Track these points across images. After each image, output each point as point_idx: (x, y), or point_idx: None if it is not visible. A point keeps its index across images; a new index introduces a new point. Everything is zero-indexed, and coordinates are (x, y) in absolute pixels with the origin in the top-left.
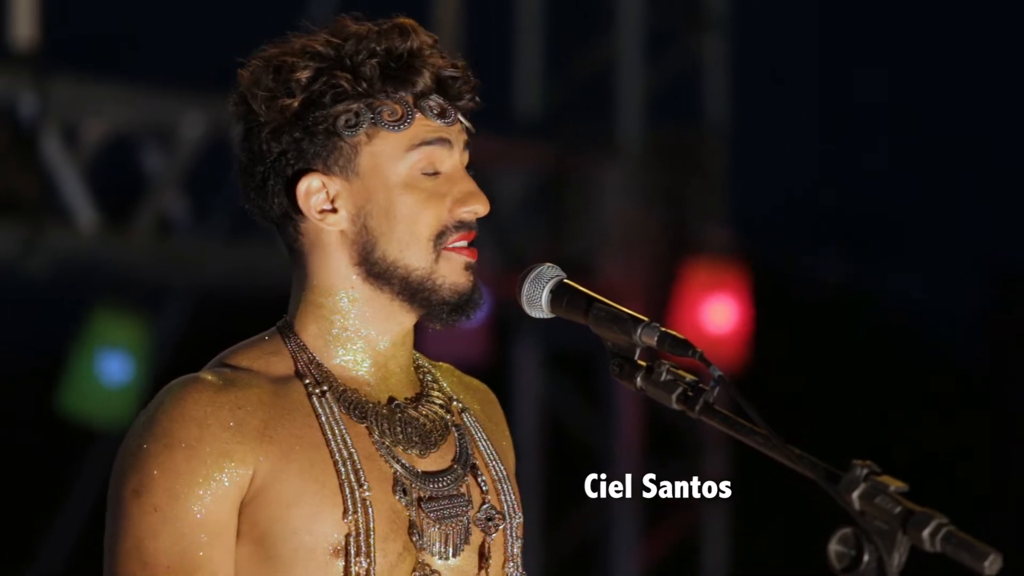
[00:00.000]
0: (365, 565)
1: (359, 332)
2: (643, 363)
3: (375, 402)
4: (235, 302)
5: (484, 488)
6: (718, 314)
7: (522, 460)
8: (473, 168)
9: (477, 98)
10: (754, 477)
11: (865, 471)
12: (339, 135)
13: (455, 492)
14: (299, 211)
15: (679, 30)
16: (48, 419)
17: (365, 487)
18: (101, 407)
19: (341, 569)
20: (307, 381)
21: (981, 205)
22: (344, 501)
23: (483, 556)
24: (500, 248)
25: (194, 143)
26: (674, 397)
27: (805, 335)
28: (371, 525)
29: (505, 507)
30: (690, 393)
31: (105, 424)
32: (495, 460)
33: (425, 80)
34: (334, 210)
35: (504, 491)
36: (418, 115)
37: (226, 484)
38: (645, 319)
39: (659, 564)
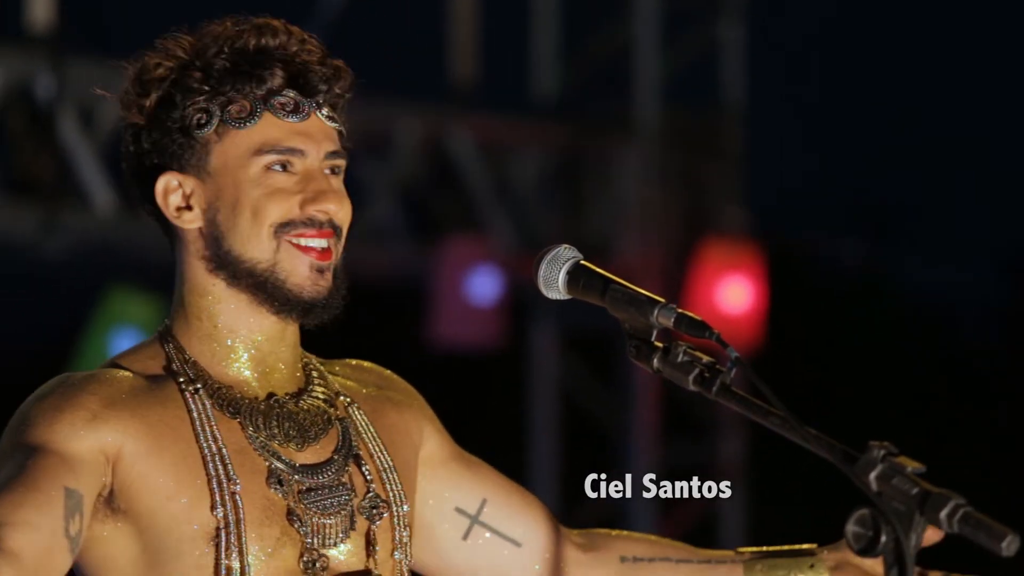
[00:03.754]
0: (236, 555)
1: (231, 329)
2: (660, 344)
3: (251, 398)
4: None
5: (368, 478)
6: (734, 295)
7: (538, 441)
8: (343, 157)
9: (339, 90)
10: (770, 458)
11: (882, 452)
12: (191, 134)
13: (336, 482)
14: (162, 211)
15: (696, 11)
16: None
17: (235, 480)
18: None
19: (220, 560)
20: (181, 379)
21: (996, 192)
22: (212, 495)
23: (370, 543)
24: (516, 229)
25: None
26: (691, 378)
27: (821, 316)
28: (240, 516)
29: (391, 496)
30: (707, 374)
31: None
32: (382, 452)
33: (275, 77)
34: (189, 208)
35: (390, 480)
36: (267, 112)
37: (93, 439)
38: (662, 300)
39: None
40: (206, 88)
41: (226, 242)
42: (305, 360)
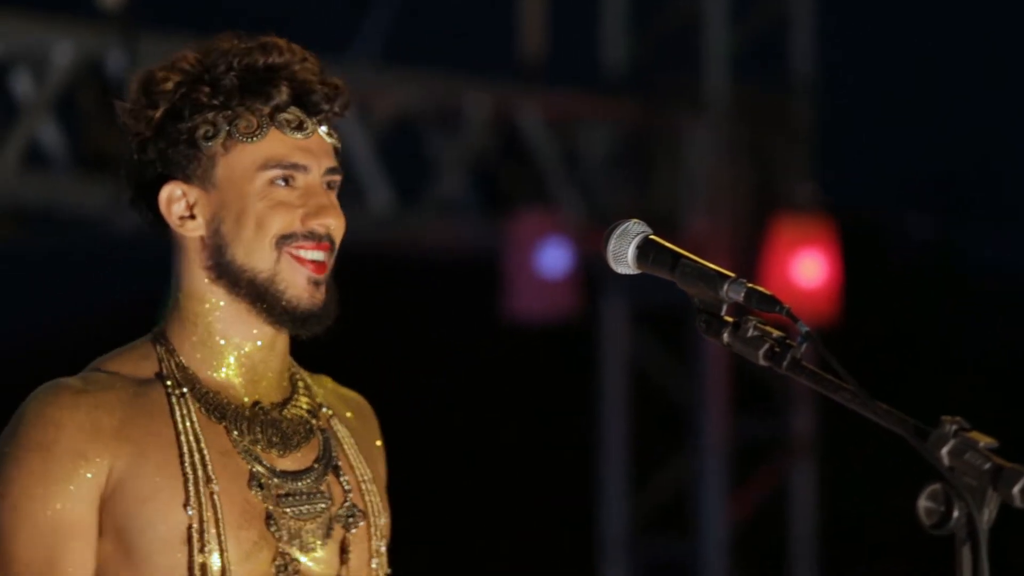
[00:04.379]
0: (211, 554)
1: (224, 336)
2: (730, 319)
3: (238, 404)
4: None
5: (347, 488)
6: (807, 270)
7: (609, 415)
8: (340, 173)
9: (338, 108)
10: (842, 433)
11: (954, 427)
12: (197, 146)
13: (314, 489)
14: (164, 219)
15: None
16: None
17: (213, 481)
18: None
19: (192, 558)
20: (169, 383)
21: None
22: (186, 494)
23: (344, 551)
24: (586, 203)
25: None
26: (761, 353)
27: (895, 291)
28: (219, 517)
29: (368, 507)
30: (777, 349)
31: None
32: (360, 464)
33: (281, 93)
34: (192, 216)
35: (368, 491)
36: (273, 128)
37: (81, 484)
38: (732, 275)
39: (747, 519)
40: (215, 103)
41: (229, 251)
42: (293, 370)
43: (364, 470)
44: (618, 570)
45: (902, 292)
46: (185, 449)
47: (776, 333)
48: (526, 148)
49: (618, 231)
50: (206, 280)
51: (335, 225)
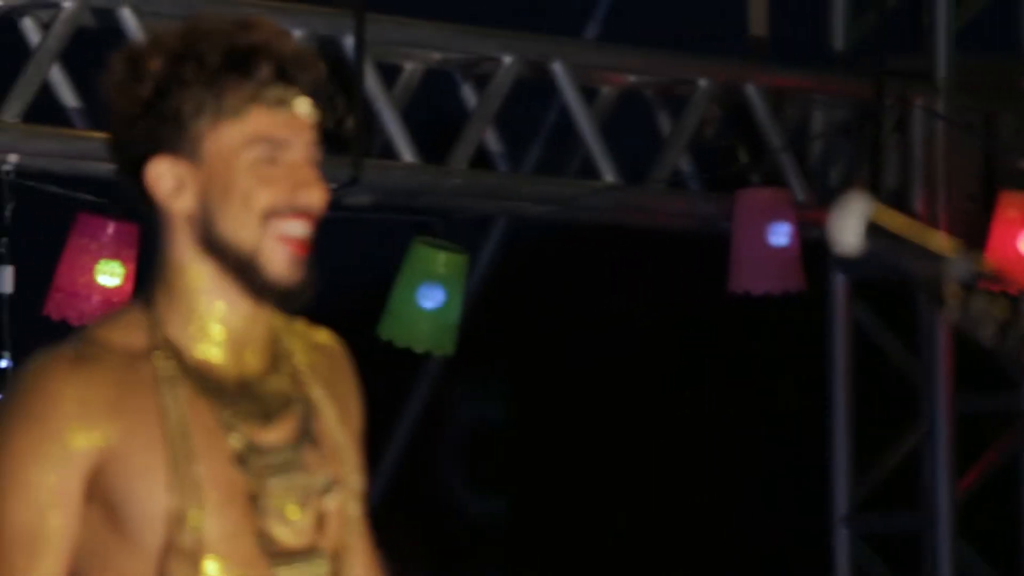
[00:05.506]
0: (194, 533)
1: (209, 311)
2: (956, 295)
3: (223, 377)
4: (545, 232)
5: (325, 457)
6: None
7: (835, 391)
8: (320, 146)
9: (322, 86)
10: None
11: None
12: (184, 123)
13: (294, 462)
14: (151, 194)
15: None
16: (372, 346)
17: (196, 461)
18: (419, 334)
19: (177, 536)
20: (157, 357)
21: None
22: (169, 475)
23: (323, 521)
24: (811, 181)
25: (507, 80)
26: (987, 329)
27: None
28: (201, 496)
29: (345, 474)
30: (1004, 325)
31: (424, 349)
32: (336, 428)
33: (263, 70)
34: (180, 192)
35: (344, 459)
36: (257, 104)
37: (73, 456)
38: (958, 252)
39: (976, 493)
40: (200, 80)
41: (216, 226)
42: (275, 334)
43: (339, 434)
44: (846, 545)
45: None
46: (171, 428)
47: (1003, 309)
48: (753, 126)
49: (843, 209)
50: (193, 254)
51: (319, 199)
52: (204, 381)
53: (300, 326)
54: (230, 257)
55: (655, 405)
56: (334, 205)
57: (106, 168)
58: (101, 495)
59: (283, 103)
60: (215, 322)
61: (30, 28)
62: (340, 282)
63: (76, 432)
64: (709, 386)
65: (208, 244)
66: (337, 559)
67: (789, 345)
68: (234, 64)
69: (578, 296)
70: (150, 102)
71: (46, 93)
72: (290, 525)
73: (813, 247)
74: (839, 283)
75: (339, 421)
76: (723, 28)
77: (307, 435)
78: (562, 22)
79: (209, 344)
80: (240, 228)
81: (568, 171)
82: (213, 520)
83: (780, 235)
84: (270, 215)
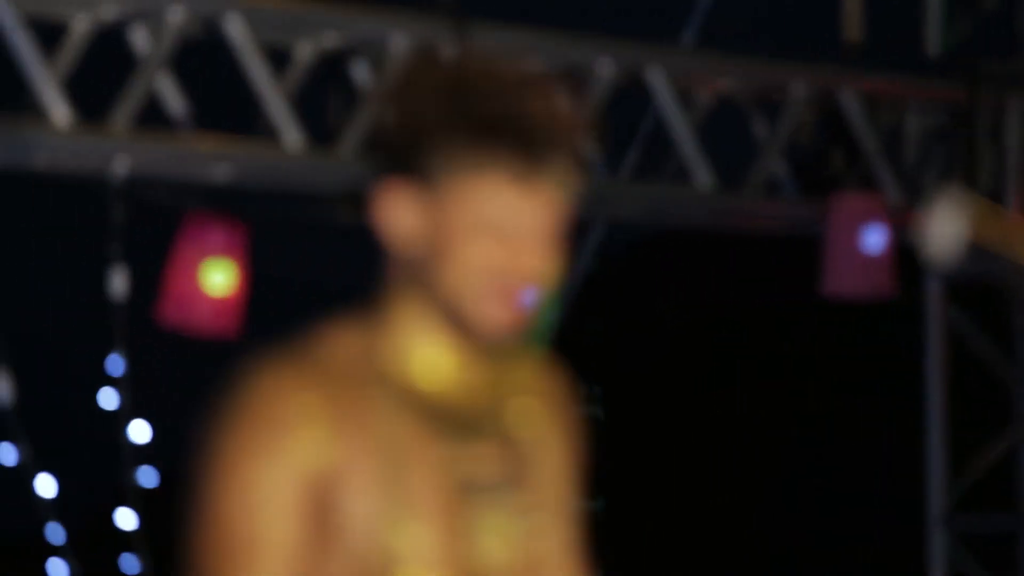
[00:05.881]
0: (403, 542)
1: (438, 334)
2: None
3: (440, 405)
4: (643, 237)
5: (528, 480)
6: None
7: (930, 392)
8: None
9: (579, 158)
10: None
11: None
12: (434, 163)
13: (504, 500)
14: (388, 217)
15: None
16: None
17: (411, 483)
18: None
19: (392, 549)
20: (382, 371)
21: None
22: (386, 493)
23: (526, 562)
24: (906, 185)
25: (604, 88)
26: None
27: None
28: (414, 515)
29: (545, 499)
30: None
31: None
32: (543, 458)
33: (523, 139)
34: (409, 221)
35: (553, 507)
36: (505, 174)
37: (297, 463)
38: None
39: None
40: (461, 129)
41: (432, 266)
42: (495, 372)
43: (550, 481)
44: (942, 546)
45: None
46: (388, 448)
47: None
48: (846, 131)
49: (938, 214)
50: (412, 282)
51: (536, 270)
52: (423, 408)
53: (526, 363)
54: (440, 299)
55: (746, 405)
56: None
57: (215, 172)
58: (314, 506)
59: (530, 179)
60: (444, 347)
61: (140, 37)
62: None
63: (301, 440)
64: (804, 390)
65: (423, 279)
66: None
67: (883, 348)
68: (497, 127)
69: (670, 303)
70: (410, 128)
71: (153, 100)
72: (490, 540)
73: (907, 251)
74: (934, 286)
75: (553, 467)
76: (818, 34)
77: (518, 476)
78: (658, 28)
79: (436, 366)
80: (453, 280)
81: (664, 177)
82: (423, 543)
83: (874, 240)
84: (484, 278)
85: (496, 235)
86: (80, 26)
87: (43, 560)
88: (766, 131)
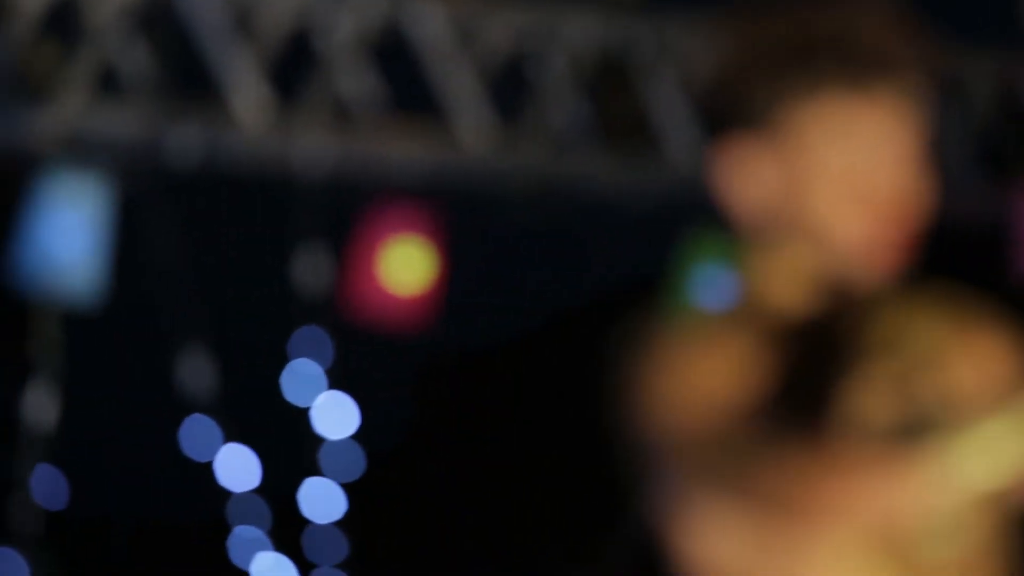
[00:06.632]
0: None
1: (815, 291)
2: None
3: (824, 336)
4: None
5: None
6: None
7: None
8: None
9: (918, 70)
10: None
11: None
12: (775, 106)
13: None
14: (738, 177)
15: None
16: None
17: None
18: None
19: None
20: (763, 316)
21: None
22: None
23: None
24: None
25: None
26: None
27: None
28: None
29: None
30: None
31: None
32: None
33: (858, 60)
34: (767, 176)
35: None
36: (844, 95)
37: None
38: None
39: None
40: (797, 67)
41: (799, 205)
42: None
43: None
44: None
45: None
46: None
47: None
48: None
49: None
50: (767, 229)
51: (899, 185)
52: (807, 341)
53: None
54: (811, 235)
55: None
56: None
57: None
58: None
59: (868, 91)
60: (814, 283)
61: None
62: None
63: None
64: None
65: (787, 220)
66: None
67: None
68: (829, 54)
69: None
70: (749, 78)
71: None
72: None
73: None
74: None
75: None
76: (999, 19)
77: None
78: None
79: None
80: (823, 209)
81: None
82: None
83: None
84: (849, 190)
85: (850, 151)
86: (278, 29)
87: (232, 543)
88: (949, 119)
